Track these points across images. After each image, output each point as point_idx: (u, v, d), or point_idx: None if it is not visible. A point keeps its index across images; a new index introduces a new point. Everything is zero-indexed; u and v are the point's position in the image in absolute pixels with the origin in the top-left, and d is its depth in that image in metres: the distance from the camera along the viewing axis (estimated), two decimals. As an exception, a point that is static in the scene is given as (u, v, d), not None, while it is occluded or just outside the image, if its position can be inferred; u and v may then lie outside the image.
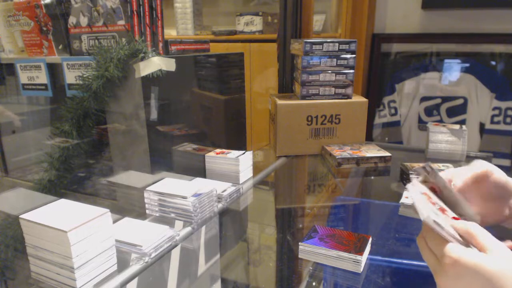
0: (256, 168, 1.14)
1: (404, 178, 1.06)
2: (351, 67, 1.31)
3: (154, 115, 1.01)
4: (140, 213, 0.85)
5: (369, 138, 1.66)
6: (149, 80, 0.96)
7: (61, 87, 1.12)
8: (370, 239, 0.71)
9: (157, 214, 0.84)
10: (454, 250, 0.41)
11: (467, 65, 1.80)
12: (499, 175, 0.56)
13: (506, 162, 1.74)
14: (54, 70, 1.15)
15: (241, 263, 0.80)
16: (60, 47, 1.15)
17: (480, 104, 1.80)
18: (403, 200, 0.89)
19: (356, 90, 1.61)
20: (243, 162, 1.04)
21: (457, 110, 1.84)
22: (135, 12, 0.99)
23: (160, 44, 1.08)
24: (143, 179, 1.01)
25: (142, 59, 0.94)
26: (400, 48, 1.90)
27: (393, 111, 1.93)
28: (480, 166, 0.56)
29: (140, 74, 0.94)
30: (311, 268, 0.69)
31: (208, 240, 0.82)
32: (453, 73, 1.83)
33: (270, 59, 2.24)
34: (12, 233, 0.96)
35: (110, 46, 0.98)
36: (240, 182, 1.04)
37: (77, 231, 0.57)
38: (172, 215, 0.82)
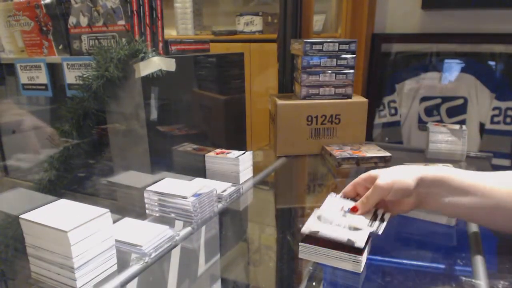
0: (256, 168, 1.14)
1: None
2: (351, 67, 1.31)
3: (154, 115, 1.01)
4: (140, 213, 0.85)
5: (369, 138, 1.66)
6: (149, 80, 0.96)
7: (61, 87, 1.12)
8: (371, 239, 0.71)
9: (157, 214, 0.84)
10: None
11: (467, 65, 1.80)
12: (383, 180, 0.70)
13: (506, 162, 1.74)
14: (54, 70, 1.15)
15: (241, 263, 0.80)
16: (60, 47, 1.15)
17: (480, 104, 1.79)
18: None
19: (356, 90, 1.61)
20: (243, 162, 1.04)
21: (457, 110, 1.84)
22: (135, 12, 0.99)
23: (160, 44, 1.08)
24: (143, 179, 1.01)
25: (142, 59, 0.94)
26: (400, 48, 1.90)
27: (393, 111, 1.93)
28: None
29: (140, 74, 0.94)
30: (311, 268, 0.69)
31: (208, 240, 0.82)
32: (453, 73, 1.83)
33: (270, 59, 2.24)
34: (12, 233, 0.96)
35: (110, 46, 0.98)
36: (240, 182, 1.04)
37: (77, 231, 0.57)
38: (172, 215, 0.82)
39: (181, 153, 1.14)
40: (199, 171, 1.07)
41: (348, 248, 0.66)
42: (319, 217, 0.72)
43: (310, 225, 0.69)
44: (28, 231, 0.61)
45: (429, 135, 1.25)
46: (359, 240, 0.65)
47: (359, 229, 0.68)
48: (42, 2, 1.12)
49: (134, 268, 0.66)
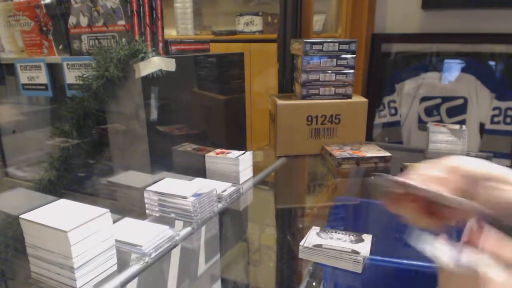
0: (256, 168, 1.14)
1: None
2: (351, 67, 1.30)
3: (154, 115, 1.01)
4: (140, 213, 0.85)
5: (369, 138, 1.66)
6: (149, 80, 0.96)
7: (61, 87, 1.12)
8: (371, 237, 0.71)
9: (157, 214, 0.84)
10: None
11: (467, 65, 1.80)
12: (468, 167, 0.51)
13: (506, 162, 1.74)
14: (54, 70, 1.15)
15: (241, 263, 0.80)
16: (60, 47, 1.15)
17: (480, 104, 1.79)
18: None
19: (356, 90, 1.61)
20: (243, 162, 1.04)
21: (457, 110, 1.84)
22: (135, 12, 0.99)
23: (160, 44, 1.08)
24: (143, 179, 1.01)
25: (142, 59, 0.94)
26: (400, 48, 1.90)
27: (393, 111, 1.93)
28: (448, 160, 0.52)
29: (140, 74, 0.94)
30: (311, 268, 0.69)
31: (208, 240, 0.82)
32: (453, 73, 1.83)
33: (270, 59, 2.24)
34: (12, 233, 0.96)
35: (110, 46, 0.98)
36: (240, 182, 1.04)
37: (77, 231, 0.57)
38: (172, 215, 0.82)
39: (181, 153, 1.13)
40: (199, 171, 1.07)
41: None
42: (318, 234, 0.72)
43: (311, 240, 0.70)
44: (28, 231, 0.61)
45: (429, 135, 1.25)
46: (364, 250, 0.65)
47: (361, 240, 0.69)
48: (42, 2, 1.12)
49: (134, 268, 0.66)
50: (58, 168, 1.05)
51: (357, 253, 0.65)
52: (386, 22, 1.89)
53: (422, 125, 1.91)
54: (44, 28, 1.15)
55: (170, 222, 0.80)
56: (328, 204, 1.07)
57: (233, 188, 0.96)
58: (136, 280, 0.64)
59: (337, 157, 1.19)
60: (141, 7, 1.00)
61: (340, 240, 0.69)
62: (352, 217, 1.01)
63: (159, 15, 1.05)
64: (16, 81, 1.21)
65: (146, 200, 0.84)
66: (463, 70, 1.81)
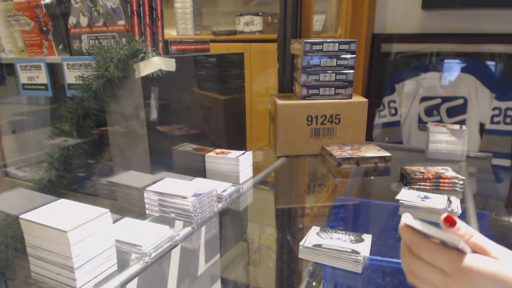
0: (256, 168, 1.14)
1: (404, 180, 1.06)
2: (351, 67, 1.30)
3: (154, 115, 1.01)
4: (140, 213, 0.85)
5: (369, 138, 1.66)
6: (149, 80, 0.96)
7: (61, 87, 1.12)
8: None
9: (157, 214, 0.84)
10: (469, 259, 0.40)
11: (467, 65, 1.80)
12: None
13: (506, 162, 1.74)
14: (54, 70, 1.15)
15: (241, 263, 0.80)
16: (60, 47, 1.15)
17: (480, 104, 1.79)
18: (399, 196, 0.89)
19: (356, 90, 1.62)
20: (243, 162, 1.04)
21: (457, 110, 1.84)
22: (135, 12, 0.99)
23: (160, 44, 1.08)
24: (143, 179, 1.01)
25: (142, 59, 0.94)
26: (400, 48, 1.90)
27: (393, 111, 1.93)
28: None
29: (140, 74, 0.94)
30: (311, 268, 0.69)
31: (208, 240, 0.82)
32: (453, 73, 1.83)
33: (270, 59, 2.24)
34: (12, 233, 0.96)
35: (110, 46, 0.98)
36: (240, 182, 1.04)
37: (77, 231, 0.57)
38: (172, 215, 0.82)
39: (181, 153, 1.13)
40: (199, 171, 1.07)
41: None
42: (318, 234, 0.73)
43: (311, 240, 0.70)
44: (28, 231, 0.61)
45: (429, 135, 1.25)
46: (364, 250, 0.66)
47: (361, 240, 0.69)
48: (42, 2, 1.12)
49: (134, 268, 0.66)
50: (58, 168, 1.05)
51: (357, 253, 0.65)
52: (386, 22, 1.89)
53: (422, 125, 1.91)
54: (44, 28, 1.15)
55: (170, 222, 0.80)
56: (328, 204, 1.07)
57: (233, 188, 0.96)
58: (136, 280, 0.64)
59: (337, 157, 1.19)
60: (141, 7, 1.00)
61: (340, 240, 0.70)
62: (352, 217, 1.01)
63: (159, 15, 1.05)
64: (16, 81, 1.21)
65: (146, 200, 0.84)
66: (463, 70, 1.81)
